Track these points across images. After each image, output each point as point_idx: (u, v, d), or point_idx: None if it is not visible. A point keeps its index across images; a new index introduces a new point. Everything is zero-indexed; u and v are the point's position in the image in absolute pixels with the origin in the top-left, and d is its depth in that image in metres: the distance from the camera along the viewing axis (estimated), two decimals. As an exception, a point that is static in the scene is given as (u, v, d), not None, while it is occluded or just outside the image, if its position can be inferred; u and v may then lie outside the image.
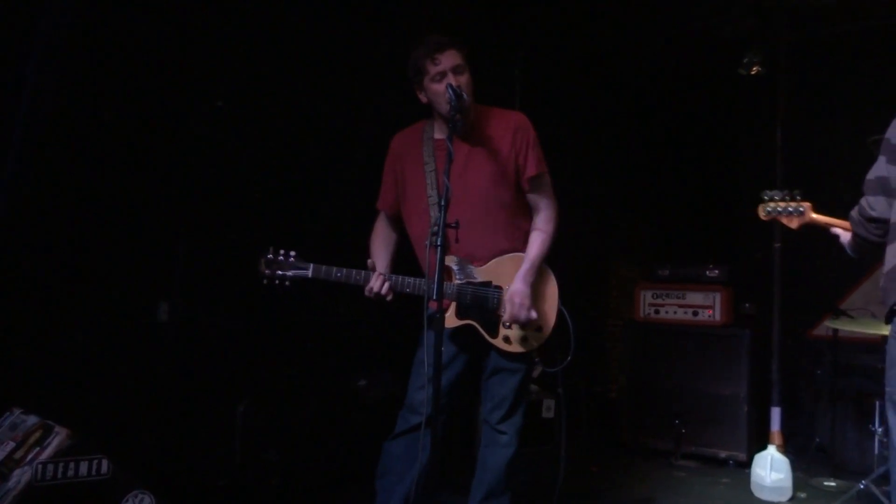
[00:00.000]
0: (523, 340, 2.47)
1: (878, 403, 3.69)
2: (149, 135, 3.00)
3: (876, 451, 3.69)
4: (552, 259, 2.65)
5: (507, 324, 2.46)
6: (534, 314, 2.44)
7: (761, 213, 2.71)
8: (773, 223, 4.60)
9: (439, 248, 2.08)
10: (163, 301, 3.10)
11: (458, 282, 2.43)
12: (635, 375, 4.89)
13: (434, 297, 2.07)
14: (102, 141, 2.86)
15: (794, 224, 2.64)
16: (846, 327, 4.06)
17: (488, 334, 2.46)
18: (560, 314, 2.54)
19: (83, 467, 2.06)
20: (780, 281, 4.60)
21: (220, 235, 3.22)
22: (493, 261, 2.50)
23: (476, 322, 2.45)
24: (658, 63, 5.51)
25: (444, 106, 2.37)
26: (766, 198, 2.68)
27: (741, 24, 4.87)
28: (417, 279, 2.40)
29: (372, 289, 2.38)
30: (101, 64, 2.84)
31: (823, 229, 2.56)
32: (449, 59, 2.38)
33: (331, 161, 3.70)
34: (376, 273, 2.39)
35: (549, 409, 4.55)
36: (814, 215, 2.61)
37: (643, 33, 5.07)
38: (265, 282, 2.36)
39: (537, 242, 2.55)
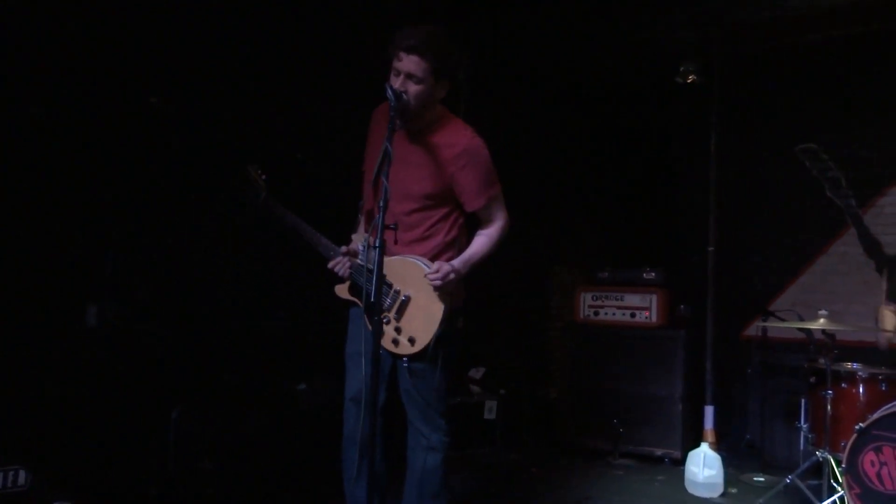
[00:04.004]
0: (394, 342, 2.44)
1: (803, 401, 3.85)
2: (78, 131, 2.88)
3: (802, 447, 3.84)
4: (491, 264, 2.65)
5: (386, 319, 2.44)
6: (452, 276, 2.39)
7: None
8: (708, 226, 4.80)
9: (378, 249, 2.07)
10: (91, 304, 2.98)
11: (360, 263, 2.46)
12: (575, 377, 4.96)
13: (372, 300, 2.06)
14: (26, 136, 2.73)
15: None
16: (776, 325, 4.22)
17: (367, 318, 2.38)
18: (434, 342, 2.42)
19: (-2, 479, 1.95)
20: (713, 283, 4.75)
21: (153, 236, 3.12)
22: (399, 258, 2.47)
23: (360, 303, 2.45)
24: (599, 71, 5.63)
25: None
26: None
27: (680, 35, 5.03)
28: (329, 243, 2.49)
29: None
30: (26, 56, 2.71)
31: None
32: (410, 64, 2.33)
33: (271, 160, 3.62)
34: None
35: (490, 410, 4.57)
36: None
37: (587, 42, 5.18)
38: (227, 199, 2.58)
39: (481, 242, 2.54)
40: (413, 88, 2.34)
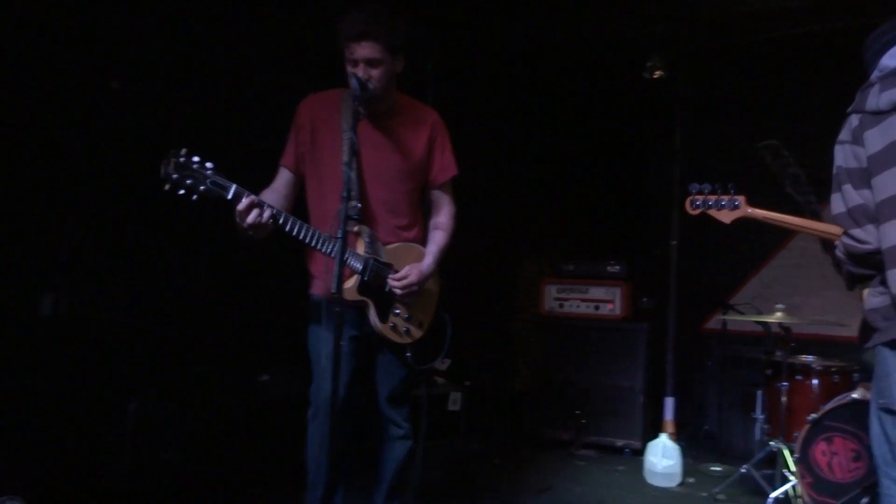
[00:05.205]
0: (406, 332, 2.47)
1: (759, 393, 3.94)
2: (34, 112, 2.79)
3: (757, 437, 3.93)
4: (457, 255, 2.66)
5: (398, 310, 2.44)
6: (415, 288, 2.44)
7: (689, 208, 2.49)
8: (671, 220, 4.87)
9: (340, 240, 2.05)
10: (46, 293, 2.91)
11: (367, 255, 2.39)
12: (539, 368, 5.00)
13: (334, 291, 2.03)
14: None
15: (727, 218, 2.44)
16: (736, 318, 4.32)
17: (379, 318, 2.41)
18: (442, 318, 2.58)
19: (-57, 473, 1.89)
20: (675, 277, 4.82)
21: (111, 222, 3.05)
22: (400, 245, 2.49)
23: (371, 301, 2.40)
24: (567, 64, 5.65)
25: (352, 90, 2.33)
26: (693, 191, 2.47)
27: (647, 30, 5.06)
28: (314, 229, 2.26)
29: (245, 210, 2.12)
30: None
31: (761, 223, 2.40)
32: (364, 50, 2.30)
33: (233, 143, 3.56)
34: (252, 197, 2.13)
35: (455, 402, 4.59)
36: (750, 209, 2.43)
37: (554, 34, 5.18)
38: (167, 187, 2.02)
39: (440, 238, 2.59)
40: (375, 73, 2.33)
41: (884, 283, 1.95)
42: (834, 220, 2.12)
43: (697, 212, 2.47)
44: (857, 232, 2.01)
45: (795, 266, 5.29)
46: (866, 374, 3.49)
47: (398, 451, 2.58)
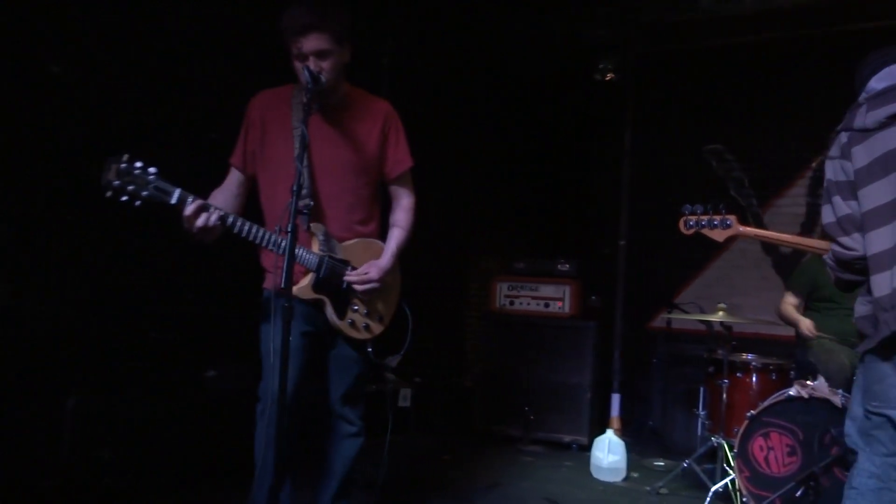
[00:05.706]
0: (366, 328, 2.46)
1: (701, 389, 4.05)
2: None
3: (699, 433, 4.04)
4: (412, 251, 2.66)
5: (356, 306, 2.43)
6: (375, 285, 2.43)
7: (682, 228, 2.59)
8: (620, 220, 4.97)
9: (290, 234, 2.02)
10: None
11: (321, 253, 2.37)
12: (489, 365, 5.04)
13: (283, 286, 2.00)
14: None
15: (720, 237, 2.55)
16: (681, 317, 4.42)
17: (337, 315, 2.40)
18: (402, 310, 2.59)
19: None
20: (623, 276, 4.92)
21: (47, 212, 2.93)
22: (356, 241, 2.47)
23: (328, 299, 2.39)
24: (521, 65, 5.70)
25: (303, 84, 2.29)
26: (686, 212, 2.57)
27: (599, 33, 5.15)
28: (262, 228, 2.22)
29: (193, 215, 2.09)
30: None
31: (753, 241, 2.55)
32: (311, 42, 2.26)
33: (180, 133, 3.47)
34: (198, 201, 2.08)
35: (405, 398, 4.58)
36: (742, 227, 2.53)
37: (509, 34, 5.22)
38: (109, 194, 1.99)
39: (398, 235, 2.58)
40: (326, 64, 2.29)
41: (870, 290, 2.07)
42: (823, 231, 2.25)
43: (691, 231, 2.57)
44: (844, 240, 2.14)
45: (736, 267, 5.46)
46: (802, 372, 3.63)
47: (349, 449, 2.55)
